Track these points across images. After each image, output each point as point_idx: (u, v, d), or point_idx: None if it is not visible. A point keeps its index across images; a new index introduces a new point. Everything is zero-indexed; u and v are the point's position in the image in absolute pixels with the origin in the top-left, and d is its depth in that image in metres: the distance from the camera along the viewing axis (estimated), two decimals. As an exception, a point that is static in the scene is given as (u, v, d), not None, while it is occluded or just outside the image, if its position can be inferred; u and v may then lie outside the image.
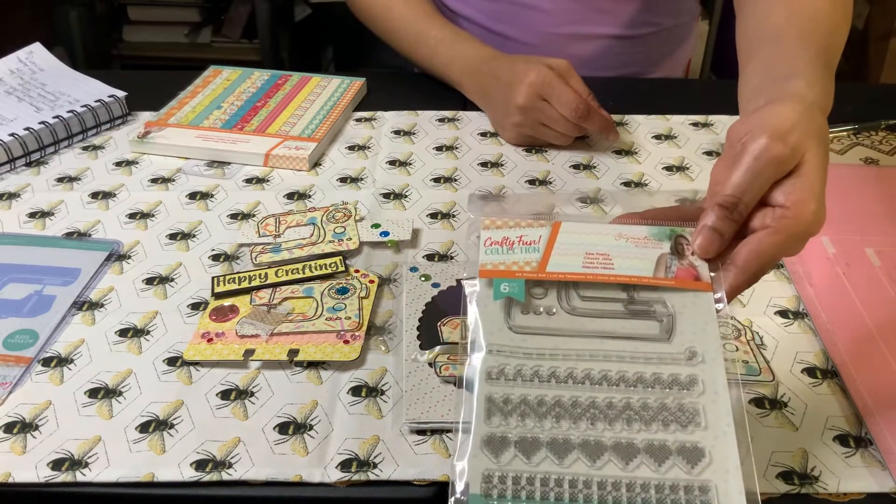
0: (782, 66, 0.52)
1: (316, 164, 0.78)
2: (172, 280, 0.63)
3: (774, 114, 0.45)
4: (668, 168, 0.77)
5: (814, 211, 0.43)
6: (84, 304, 0.60)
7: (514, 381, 0.41)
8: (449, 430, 0.50)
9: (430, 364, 0.54)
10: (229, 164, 0.78)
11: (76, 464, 0.48)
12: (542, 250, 0.44)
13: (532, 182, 0.75)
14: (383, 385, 0.54)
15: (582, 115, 0.75)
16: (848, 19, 0.62)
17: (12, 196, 0.73)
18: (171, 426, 0.51)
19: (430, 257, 0.65)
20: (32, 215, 0.71)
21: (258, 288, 0.61)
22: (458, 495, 0.37)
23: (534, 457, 0.39)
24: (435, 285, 0.61)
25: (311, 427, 0.51)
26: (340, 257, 0.64)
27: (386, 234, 0.67)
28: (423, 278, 0.62)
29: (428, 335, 0.56)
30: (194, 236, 0.68)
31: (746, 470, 0.38)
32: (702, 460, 0.38)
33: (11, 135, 0.77)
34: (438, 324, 0.57)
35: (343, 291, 0.61)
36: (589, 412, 0.40)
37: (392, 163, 0.78)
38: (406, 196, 0.73)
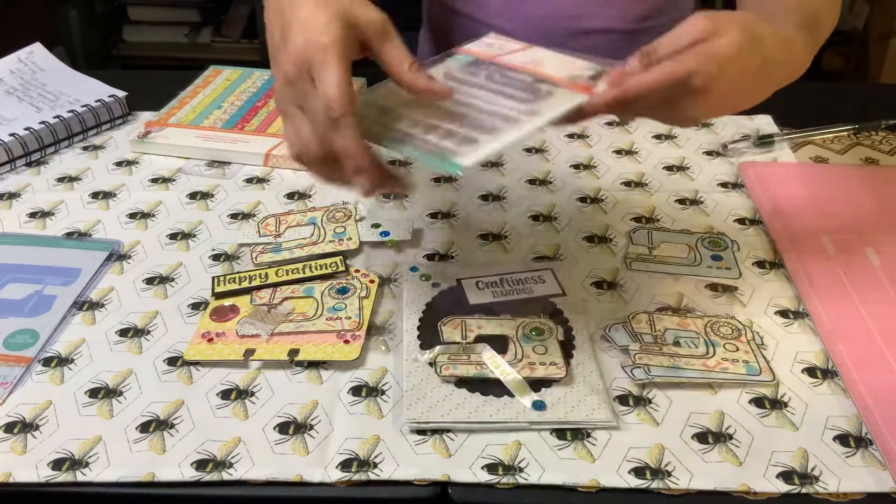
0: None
1: (316, 164, 0.78)
2: (173, 280, 0.63)
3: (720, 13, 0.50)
4: (669, 168, 0.77)
5: (713, 30, 0.48)
6: (84, 304, 0.60)
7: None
8: (449, 430, 0.50)
9: (430, 364, 0.54)
10: (229, 163, 0.78)
11: (76, 464, 0.48)
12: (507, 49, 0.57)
13: (532, 182, 0.75)
14: (383, 385, 0.54)
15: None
16: (835, 16, 0.63)
17: (12, 196, 0.73)
18: (172, 426, 0.51)
19: (430, 257, 0.65)
20: (33, 215, 0.71)
21: (258, 288, 0.61)
22: None
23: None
24: (435, 285, 0.61)
25: (312, 427, 0.51)
26: (341, 257, 0.64)
27: (386, 234, 0.67)
28: (423, 278, 0.62)
29: (428, 335, 0.56)
30: (194, 236, 0.68)
31: None
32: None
33: (12, 135, 0.77)
34: (438, 324, 0.57)
35: (343, 291, 0.61)
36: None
37: (392, 163, 0.78)
38: (406, 196, 0.73)
